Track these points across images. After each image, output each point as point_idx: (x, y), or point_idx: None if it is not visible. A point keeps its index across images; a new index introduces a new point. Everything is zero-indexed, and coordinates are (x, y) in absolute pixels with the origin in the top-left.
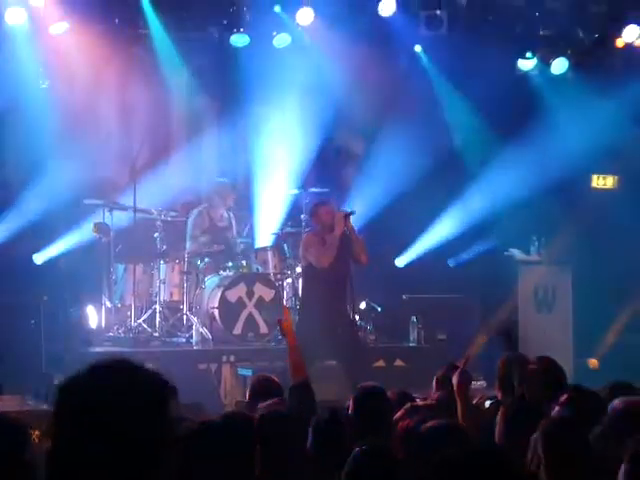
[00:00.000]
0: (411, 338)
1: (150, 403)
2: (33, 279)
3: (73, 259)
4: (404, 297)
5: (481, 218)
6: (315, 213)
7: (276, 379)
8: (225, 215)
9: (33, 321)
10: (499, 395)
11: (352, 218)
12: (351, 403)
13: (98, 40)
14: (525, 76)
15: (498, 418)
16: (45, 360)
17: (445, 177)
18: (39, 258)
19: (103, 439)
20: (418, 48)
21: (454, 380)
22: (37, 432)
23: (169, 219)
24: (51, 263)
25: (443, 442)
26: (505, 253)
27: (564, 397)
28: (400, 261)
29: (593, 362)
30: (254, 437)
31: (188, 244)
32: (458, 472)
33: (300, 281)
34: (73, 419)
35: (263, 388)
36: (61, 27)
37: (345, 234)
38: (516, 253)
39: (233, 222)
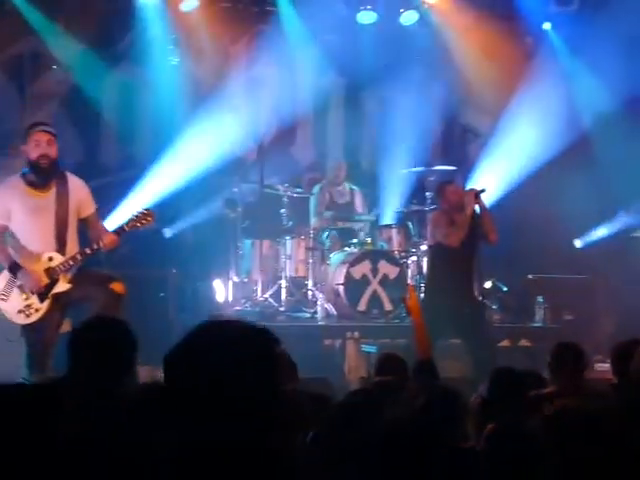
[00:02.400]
0: (537, 318)
1: (260, 357)
2: (162, 252)
3: (202, 233)
4: (530, 277)
5: (609, 198)
6: (442, 193)
7: (400, 356)
8: (346, 191)
9: (162, 294)
10: (614, 379)
11: (483, 196)
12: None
13: (226, 17)
14: None
15: None
16: (174, 332)
17: (573, 157)
18: (168, 231)
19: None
20: (547, 25)
21: None
22: None
23: (295, 195)
24: (180, 237)
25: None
26: (633, 234)
27: None
28: (524, 241)
29: None
30: None
31: (313, 220)
32: None
33: (425, 259)
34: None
35: (388, 365)
36: (191, 4)
37: (474, 213)
38: None
39: (356, 199)
